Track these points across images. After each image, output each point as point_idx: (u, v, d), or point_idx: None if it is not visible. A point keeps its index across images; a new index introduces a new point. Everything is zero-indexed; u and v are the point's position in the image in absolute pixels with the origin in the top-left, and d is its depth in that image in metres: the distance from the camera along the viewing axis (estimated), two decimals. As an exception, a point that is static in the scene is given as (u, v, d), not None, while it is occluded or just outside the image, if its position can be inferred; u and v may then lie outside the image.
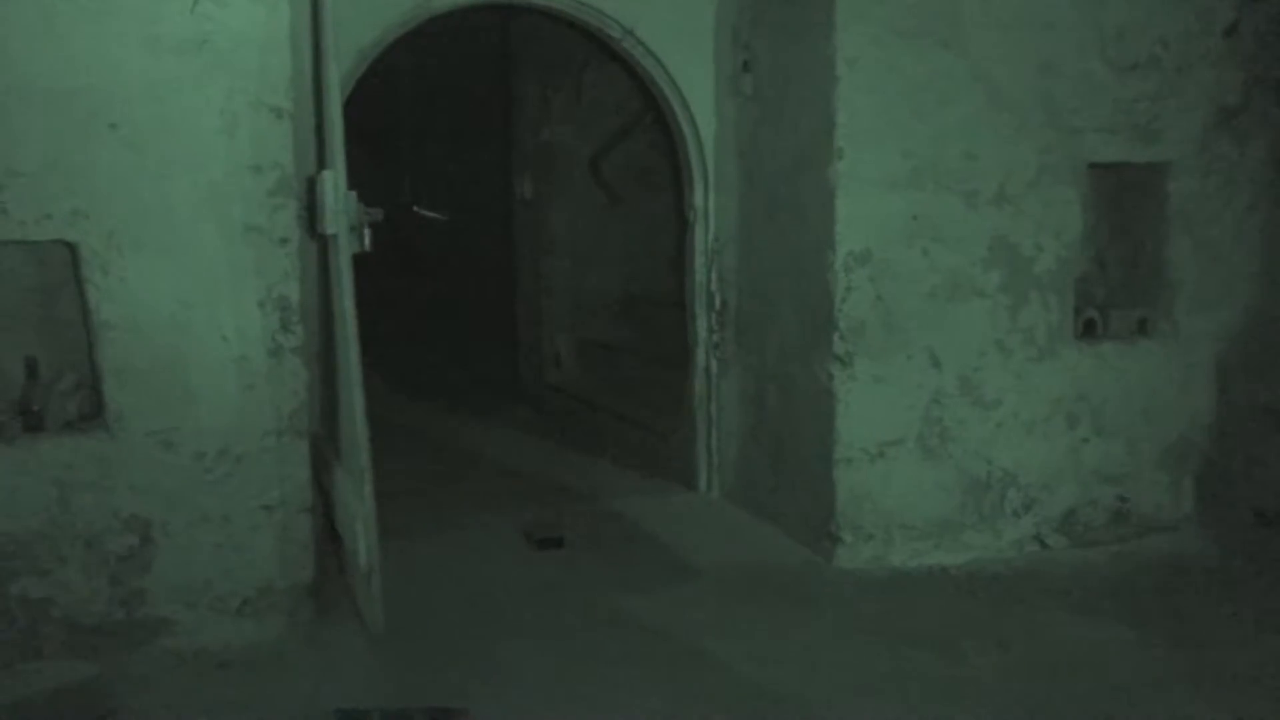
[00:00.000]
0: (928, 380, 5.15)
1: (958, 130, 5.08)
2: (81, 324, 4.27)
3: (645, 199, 8.49)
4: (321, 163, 4.63)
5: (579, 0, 5.63)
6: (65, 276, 4.30)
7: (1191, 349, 5.51)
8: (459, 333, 11.68)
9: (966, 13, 5.06)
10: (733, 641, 4.38)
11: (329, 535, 4.91)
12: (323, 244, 4.69)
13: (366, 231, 4.15)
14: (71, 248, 4.09)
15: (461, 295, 12.14)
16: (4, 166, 3.90)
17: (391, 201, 3.95)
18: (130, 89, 4.04)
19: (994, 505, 5.29)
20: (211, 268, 4.17)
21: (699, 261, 6.13)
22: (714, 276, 6.07)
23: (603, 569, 5.18)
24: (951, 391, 5.18)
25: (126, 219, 4.06)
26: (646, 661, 4.21)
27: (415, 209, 13.03)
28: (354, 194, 4.07)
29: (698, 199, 6.07)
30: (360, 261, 4.23)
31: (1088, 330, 5.43)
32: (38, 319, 4.35)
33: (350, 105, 4.54)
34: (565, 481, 6.73)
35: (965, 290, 5.14)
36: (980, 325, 5.18)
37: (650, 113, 7.46)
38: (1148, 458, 5.50)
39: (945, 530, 5.23)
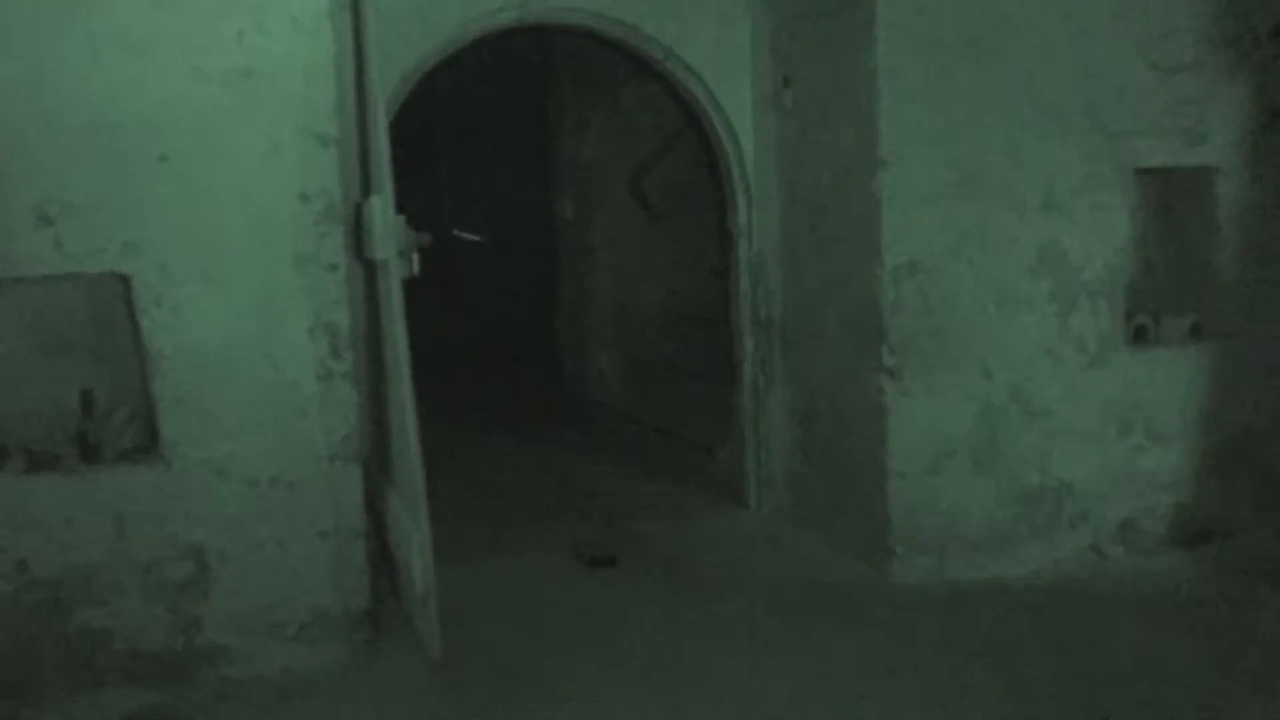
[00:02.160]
0: (979, 391, 5.10)
1: (1002, 139, 5.05)
2: (135, 355, 4.31)
3: (686, 215, 8.48)
4: (366, 188, 4.65)
5: (620, 21, 5.64)
6: (118, 308, 4.34)
7: (1245, 352, 5.45)
8: (500, 353, 11.71)
9: (1007, 21, 5.03)
10: (791, 658, 4.36)
11: (381, 559, 4.92)
12: (369, 269, 4.72)
13: (415, 256, 4.16)
14: (124, 280, 4.13)
15: (501, 315, 12.17)
16: (57, 200, 3.95)
17: (431, 223, 3.97)
18: (178, 120, 4.08)
19: (1049, 515, 5.24)
20: (261, 296, 4.20)
21: (743, 277, 6.11)
22: (759, 292, 6.05)
23: (656, 588, 5.16)
24: (1003, 402, 5.13)
25: (178, 250, 4.10)
26: (705, 681, 4.18)
27: (455, 232, 13.08)
28: (402, 218, 4.09)
29: (740, 214, 6.06)
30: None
31: (1139, 336, 5.38)
32: (92, 350, 4.40)
33: (390, 127, 4.56)
34: (614, 500, 6.71)
35: (1014, 299, 5.10)
36: (1030, 334, 5.14)
37: (690, 129, 7.46)
38: (1204, 464, 5.43)
39: (1001, 542, 5.18)
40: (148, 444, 4.27)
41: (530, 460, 7.87)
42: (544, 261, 9.73)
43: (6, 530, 3.98)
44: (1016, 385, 5.14)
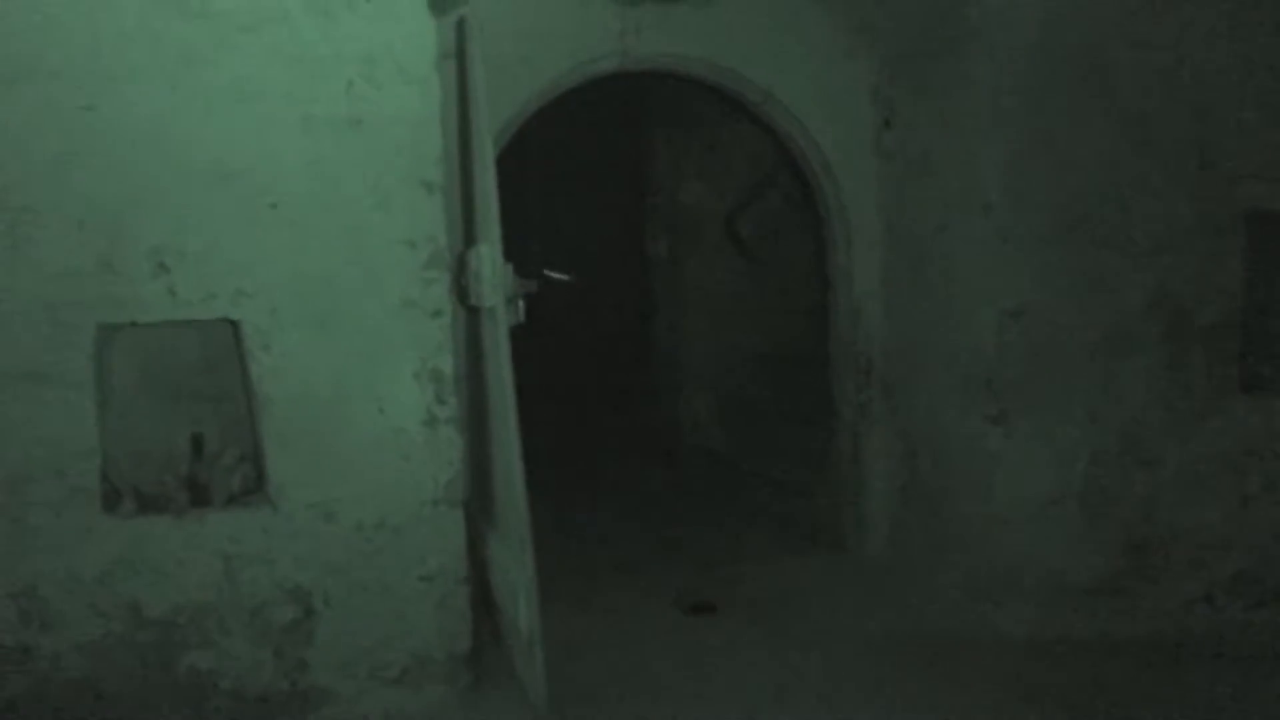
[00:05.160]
0: (1087, 437, 4.99)
1: (1111, 182, 4.96)
2: (244, 399, 4.38)
3: (780, 256, 8.48)
4: (470, 235, 4.69)
5: (719, 65, 5.65)
6: (228, 353, 4.42)
7: (1365, 400, 5.27)
8: (592, 393, 11.70)
9: (1116, 63, 4.94)
10: (898, 710, 4.27)
11: (482, 603, 4.92)
12: (471, 314, 4.75)
13: (521, 303, 4.18)
14: (235, 325, 4.20)
15: (593, 355, 12.19)
16: (172, 249, 4.03)
17: (520, 263, 4.01)
18: (289, 169, 4.15)
19: (1160, 566, 5.10)
20: (368, 342, 4.24)
21: (843, 319, 6.05)
22: (859, 334, 5.98)
23: (757, 636, 5.10)
24: (1112, 448, 5.02)
25: (286, 296, 4.15)
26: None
27: (545, 272, 13.15)
28: (510, 266, 4.11)
29: (840, 256, 6.00)
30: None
31: (1254, 382, 5.23)
32: (202, 394, 4.48)
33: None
34: (710, 544, 6.66)
35: (1124, 344, 4.99)
36: (1141, 380, 5.02)
37: (785, 171, 7.45)
38: (1323, 514, 5.25)
39: (1109, 592, 5.05)
40: (255, 487, 4.33)
41: (625, 503, 7.84)
42: (636, 302, 9.74)
43: (119, 571, 4.04)
44: (1126, 431, 5.03)
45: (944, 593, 5.38)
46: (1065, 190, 4.93)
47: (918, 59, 5.42)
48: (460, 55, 4.66)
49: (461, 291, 4.58)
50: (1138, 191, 4.98)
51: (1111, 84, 4.95)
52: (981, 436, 5.02)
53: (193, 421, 4.46)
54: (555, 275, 13.15)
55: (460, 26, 4.59)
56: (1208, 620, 5.09)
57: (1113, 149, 4.96)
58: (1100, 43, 4.92)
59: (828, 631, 5.13)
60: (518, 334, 4.19)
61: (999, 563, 5.03)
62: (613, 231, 11.52)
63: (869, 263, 5.94)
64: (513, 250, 4.20)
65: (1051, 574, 5.02)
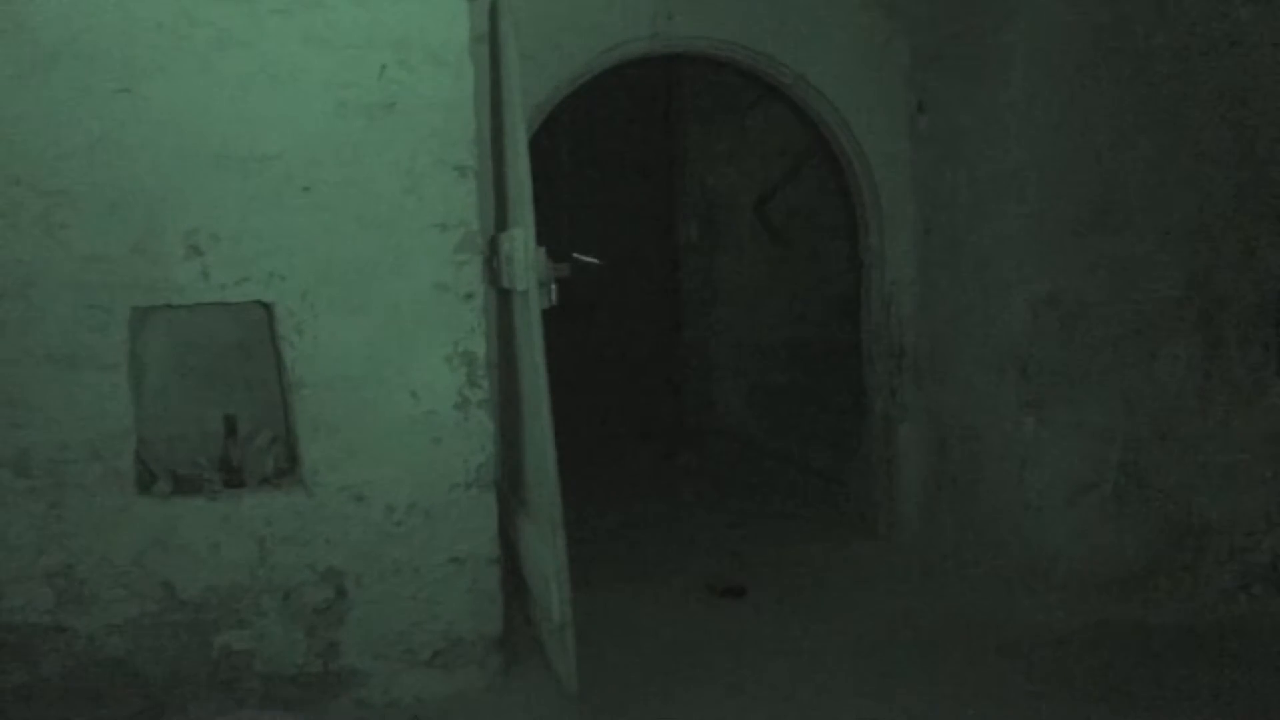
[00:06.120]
0: (1122, 424, 4.96)
1: (1146, 166, 4.91)
2: (277, 381, 4.40)
3: (812, 241, 8.46)
4: (502, 218, 4.69)
5: (752, 48, 5.62)
6: (261, 335, 4.45)
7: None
8: (620, 377, 11.69)
9: (1150, 46, 4.89)
10: (925, 697, 4.25)
11: (512, 587, 4.93)
12: (504, 298, 4.75)
13: (553, 287, 4.18)
14: (268, 308, 4.22)
15: (622, 339, 12.17)
16: (206, 232, 4.04)
17: (550, 246, 4.01)
18: (321, 152, 4.15)
19: (1195, 554, 5.06)
20: (400, 325, 4.25)
21: (876, 305, 6.02)
22: (891, 320, 5.95)
23: (789, 619, 5.09)
24: (1147, 436, 4.98)
25: (320, 279, 4.16)
26: (844, 717, 4.11)
27: (574, 255, 13.14)
28: (543, 250, 4.11)
29: (873, 242, 5.97)
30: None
31: (1291, 368, 5.18)
32: (235, 376, 4.50)
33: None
34: (740, 529, 6.66)
35: (1160, 330, 4.95)
36: (1176, 366, 4.98)
37: (816, 155, 7.42)
38: (1361, 502, 5.20)
39: (1143, 581, 5.02)
40: (288, 469, 4.35)
41: (655, 487, 7.84)
42: (665, 286, 9.72)
43: (154, 551, 4.07)
44: (1162, 418, 4.99)
45: (976, 579, 5.36)
46: (1100, 175, 4.89)
47: (951, 43, 5.37)
48: (493, 39, 4.66)
49: (493, 275, 4.59)
50: (1172, 176, 4.93)
51: (1146, 68, 4.90)
52: (1015, 423, 4.99)
53: (226, 404, 4.48)
54: (585, 259, 13.14)
55: (493, 10, 4.59)
56: (1244, 609, 5.04)
57: (1147, 133, 4.91)
58: (1135, 26, 4.87)
59: (859, 616, 5.11)
60: (548, 319, 4.19)
61: (1032, 550, 5.00)
62: (644, 217, 11.48)
63: (901, 248, 5.91)
64: (544, 235, 4.19)
65: (1085, 562, 4.99)
